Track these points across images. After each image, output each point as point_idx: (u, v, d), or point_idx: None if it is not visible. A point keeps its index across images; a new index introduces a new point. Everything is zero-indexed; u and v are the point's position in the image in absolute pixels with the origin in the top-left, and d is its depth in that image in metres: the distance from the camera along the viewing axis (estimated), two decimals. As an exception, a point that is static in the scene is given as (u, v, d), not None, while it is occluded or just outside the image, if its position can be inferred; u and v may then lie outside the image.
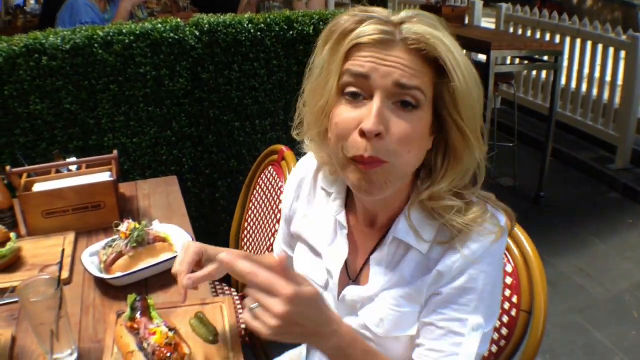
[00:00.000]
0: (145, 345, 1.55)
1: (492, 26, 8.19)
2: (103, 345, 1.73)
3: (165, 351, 1.53)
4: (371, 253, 1.43)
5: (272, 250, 2.03)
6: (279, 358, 2.11)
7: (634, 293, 4.26)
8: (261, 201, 2.73)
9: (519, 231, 1.71)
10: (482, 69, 5.23)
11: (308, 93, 1.37)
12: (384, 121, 1.19)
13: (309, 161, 1.64)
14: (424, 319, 1.35)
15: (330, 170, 1.50)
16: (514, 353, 1.71)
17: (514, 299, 1.70)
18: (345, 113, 1.23)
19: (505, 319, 1.72)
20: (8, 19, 12.18)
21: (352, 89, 1.23)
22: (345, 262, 1.48)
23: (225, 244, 2.75)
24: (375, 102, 1.19)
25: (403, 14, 1.24)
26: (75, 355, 1.71)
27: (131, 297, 1.71)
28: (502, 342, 1.72)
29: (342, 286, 1.48)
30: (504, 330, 1.72)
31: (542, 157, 5.61)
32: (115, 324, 1.76)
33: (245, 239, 2.78)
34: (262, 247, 2.62)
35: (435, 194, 1.30)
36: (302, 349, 1.99)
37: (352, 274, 1.48)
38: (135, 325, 1.62)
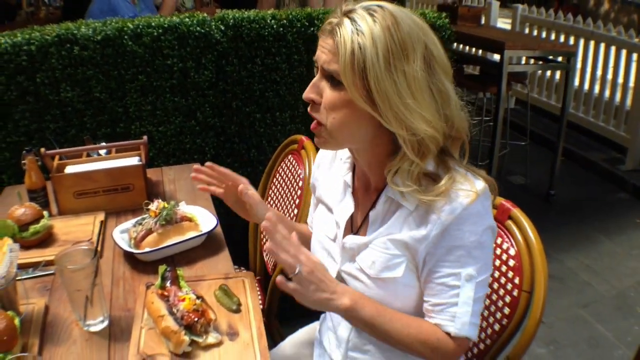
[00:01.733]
0: (175, 310, 1.70)
1: (509, 27, 8.26)
2: (133, 313, 1.88)
3: (193, 316, 1.68)
4: (369, 210, 1.67)
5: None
6: (293, 335, 2.25)
7: (639, 290, 4.36)
8: (280, 188, 2.86)
9: (522, 217, 1.85)
10: (496, 68, 5.35)
11: None
12: (318, 91, 1.54)
13: None
14: (425, 279, 1.58)
15: None
16: (516, 331, 1.84)
17: (516, 280, 1.82)
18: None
19: (507, 299, 1.84)
20: (31, 10, 12.38)
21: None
22: (352, 218, 1.74)
23: (245, 229, 2.90)
24: (315, 78, 1.55)
25: (352, 6, 1.49)
26: (106, 322, 1.85)
27: (162, 268, 1.86)
28: (505, 321, 1.85)
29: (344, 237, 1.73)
30: (506, 310, 1.85)
31: (554, 156, 5.71)
32: (145, 294, 1.91)
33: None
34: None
35: (401, 171, 1.53)
36: (315, 325, 2.15)
37: (355, 228, 1.73)
38: (166, 293, 1.77)
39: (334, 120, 1.51)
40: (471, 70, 8.46)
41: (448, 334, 1.54)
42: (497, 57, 5.40)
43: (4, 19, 11.59)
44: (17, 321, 1.72)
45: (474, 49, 7.68)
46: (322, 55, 1.51)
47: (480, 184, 1.53)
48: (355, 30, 1.42)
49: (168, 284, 1.82)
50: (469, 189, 1.50)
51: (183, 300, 1.72)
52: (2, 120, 3.37)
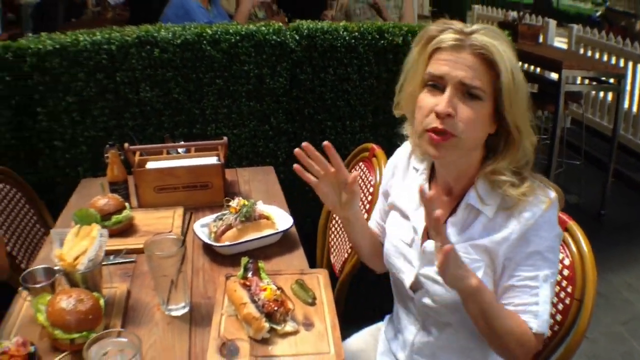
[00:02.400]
0: (256, 299, 1.79)
1: (564, 46, 8.25)
2: (213, 301, 1.98)
3: (273, 305, 1.77)
4: (448, 217, 1.78)
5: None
6: (357, 334, 2.33)
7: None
8: (351, 194, 2.92)
9: (577, 230, 1.94)
10: (554, 87, 5.38)
11: (402, 82, 1.78)
12: (453, 106, 1.59)
13: (403, 149, 2.04)
14: (505, 283, 1.69)
15: (421, 152, 1.82)
16: (565, 337, 1.92)
17: (569, 289, 1.91)
18: (427, 99, 1.65)
19: (560, 306, 1.92)
20: (97, 10, 12.70)
21: (432, 82, 1.64)
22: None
23: (313, 233, 2.98)
24: (447, 93, 1.59)
25: (475, 27, 1.62)
26: (187, 308, 1.95)
27: (245, 260, 1.96)
28: (556, 327, 1.93)
29: (423, 242, 1.83)
30: (558, 317, 1.93)
31: (605, 177, 5.73)
32: (225, 284, 2.00)
33: (333, 228, 2.98)
34: (347, 245, 2.77)
35: (497, 169, 1.66)
36: (379, 326, 2.23)
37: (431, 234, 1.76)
38: (248, 283, 1.87)
39: (470, 132, 1.62)
40: (534, 89, 8.46)
41: (531, 330, 1.65)
42: (554, 75, 5.46)
43: (71, 16, 11.93)
44: (102, 302, 1.83)
45: (532, 67, 7.67)
46: (457, 71, 1.58)
47: (552, 193, 1.67)
48: (504, 50, 1.56)
49: (250, 274, 1.92)
50: (544, 196, 1.65)
51: (264, 290, 1.82)
52: (80, 115, 3.53)
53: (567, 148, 6.51)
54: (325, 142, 1.79)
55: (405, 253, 1.88)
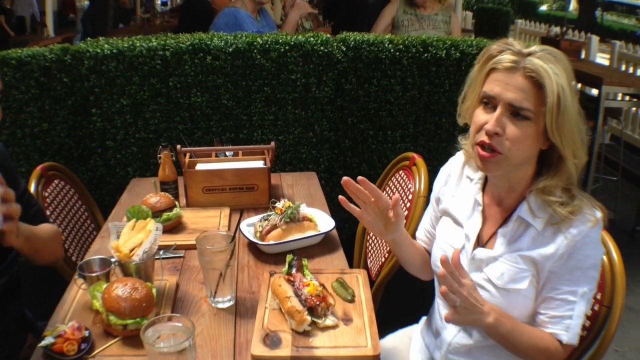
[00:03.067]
0: (299, 293, 1.90)
1: (607, 62, 8.26)
2: (258, 296, 2.09)
3: (315, 300, 1.88)
4: (499, 227, 1.89)
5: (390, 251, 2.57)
6: (392, 334, 2.44)
7: None
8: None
9: (609, 240, 2.01)
10: (593, 102, 5.43)
11: (464, 94, 1.90)
12: (502, 125, 1.71)
13: (457, 158, 2.14)
14: (545, 294, 1.80)
15: (476, 163, 1.88)
16: (592, 343, 1.99)
17: (598, 296, 1.98)
18: (480, 115, 1.78)
19: (589, 312, 1.96)
20: (147, 17, 12.96)
21: (485, 100, 1.76)
22: (480, 230, 1.95)
23: (351, 240, 3.09)
24: (497, 112, 1.72)
25: (533, 48, 1.71)
26: (233, 301, 2.06)
27: (290, 257, 2.09)
28: (584, 333, 1.99)
29: (474, 249, 1.93)
30: (587, 323, 2.00)
31: (640, 194, 5.72)
32: (269, 280, 2.11)
33: (370, 234, 3.07)
34: (384, 250, 2.86)
35: (548, 187, 1.75)
36: (414, 327, 2.33)
37: (482, 241, 1.94)
38: (292, 279, 1.99)
39: (517, 151, 1.72)
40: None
41: (559, 341, 1.77)
42: (595, 91, 5.51)
43: (120, 22, 12.20)
44: (154, 292, 1.95)
45: (579, 84, 7.70)
46: (508, 93, 1.69)
47: (598, 213, 1.75)
48: (554, 73, 1.64)
49: (294, 270, 2.04)
50: (591, 215, 1.73)
51: (307, 285, 1.94)
52: (133, 117, 3.69)
53: (605, 164, 6.54)
54: (360, 178, 1.88)
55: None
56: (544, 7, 28.92)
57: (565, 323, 1.76)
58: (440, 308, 2.11)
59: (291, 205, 2.48)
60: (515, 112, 1.70)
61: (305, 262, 2.13)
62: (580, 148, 1.70)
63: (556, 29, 8.18)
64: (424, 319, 2.31)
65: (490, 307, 1.73)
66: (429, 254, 2.20)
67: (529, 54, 1.69)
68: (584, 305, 1.75)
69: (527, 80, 1.67)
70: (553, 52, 1.70)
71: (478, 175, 2.01)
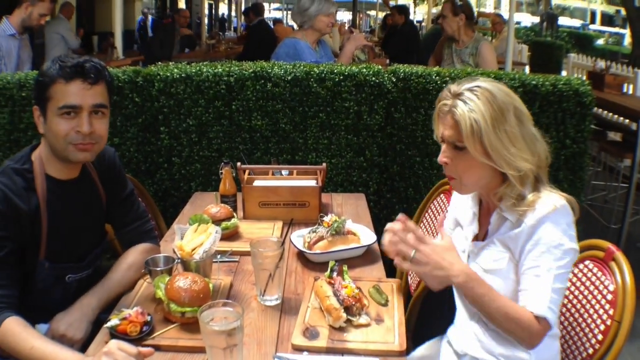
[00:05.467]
0: (338, 294, 2.15)
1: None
2: (302, 297, 2.34)
3: (351, 300, 2.12)
4: (488, 226, 2.23)
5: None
6: (423, 345, 2.64)
7: None
8: (431, 221, 3.24)
9: (623, 261, 2.17)
10: (633, 135, 5.56)
11: None
12: (448, 156, 2.09)
13: None
14: (519, 272, 2.05)
15: None
16: (605, 355, 2.13)
17: (611, 312, 2.15)
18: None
19: (602, 327, 2.16)
20: (212, 42, 13.34)
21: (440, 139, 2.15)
22: (478, 235, 2.28)
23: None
24: (443, 146, 2.12)
25: (463, 88, 2.03)
26: (279, 300, 2.31)
27: (332, 262, 2.34)
28: (597, 346, 2.16)
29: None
30: (600, 337, 2.17)
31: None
32: (312, 284, 2.36)
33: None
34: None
35: (501, 194, 2.08)
36: (438, 341, 2.54)
37: (479, 239, 2.27)
38: (332, 282, 2.23)
39: (466, 174, 2.09)
40: (617, 137, 8.54)
41: (533, 315, 1.95)
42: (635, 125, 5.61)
43: (186, 47, 12.60)
44: (211, 286, 2.20)
45: (621, 118, 7.76)
46: (446, 132, 2.06)
47: (561, 200, 2.01)
48: (470, 109, 1.96)
49: (335, 274, 2.29)
50: (551, 202, 2.00)
51: (345, 287, 2.18)
52: (198, 136, 3.98)
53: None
54: (400, 216, 2.14)
55: (462, 257, 2.23)
56: (600, 41, 28.73)
57: (533, 296, 1.96)
58: (460, 308, 2.37)
59: (337, 219, 2.72)
60: (454, 145, 2.05)
61: (345, 268, 2.38)
62: (515, 161, 1.97)
63: (601, 64, 8.31)
64: (451, 327, 2.50)
65: (461, 270, 2.02)
66: None
67: (457, 95, 2.02)
68: (551, 280, 1.95)
69: (453, 119, 2.01)
70: (480, 89, 1.99)
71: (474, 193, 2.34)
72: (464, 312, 2.32)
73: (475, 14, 5.44)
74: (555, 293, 1.95)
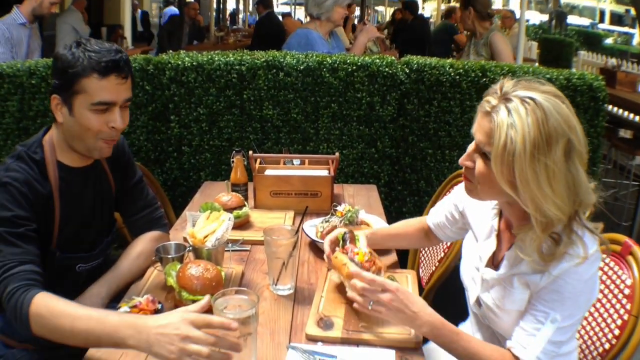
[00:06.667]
0: (354, 260, 2.09)
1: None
2: (315, 286, 2.31)
3: (367, 265, 2.07)
4: (508, 249, 1.95)
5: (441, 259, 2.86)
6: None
7: None
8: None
9: None
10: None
11: None
12: (472, 159, 1.81)
13: None
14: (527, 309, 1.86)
15: None
16: (621, 351, 2.09)
17: (628, 306, 2.09)
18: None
19: (619, 322, 2.11)
20: (221, 35, 13.39)
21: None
22: (495, 254, 2.02)
23: (405, 254, 3.25)
24: (470, 147, 1.82)
25: (516, 90, 1.71)
26: (292, 290, 2.28)
27: (341, 233, 2.29)
28: (614, 341, 2.11)
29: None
30: (616, 331, 2.11)
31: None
32: (326, 274, 2.33)
33: (424, 250, 3.25)
34: (435, 259, 3.06)
35: (522, 239, 1.79)
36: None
37: (496, 262, 2.01)
38: (346, 251, 2.17)
39: (482, 186, 1.81)
40: (627, 134, 8.52)
41: (517, 358, 1.82)
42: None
43: (194, 39, 12.64)
44: (223, 274, 2.17)
45: (631, 114, 7.74)
46: (478, 134, 1.77)
47: (593, 247, 1.75)
48: (510, 124, 1.65)
49: (348, 243, 2.23)
50: (581, 254, 1.72)
51: (357, 254, 2.13)
52: (208, 125, 3.97)
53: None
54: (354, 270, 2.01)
55: (473, 275, 2.12)
56: (609, 40, 28.63)
57: (526, 340, 1.80)
58: (470, 317, 2.29)
59: (351, 209, 2.69)
60: (482, 152, 1.76)
61: (356, 235, 2.31)
62: (544, 203, 1.67)
63: (613, 61, 8.28)
64: (461, 324, 2.44)
65: (425, 321, 1.87)
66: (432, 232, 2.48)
67: (505, 96, 1.71)
68: (551, 331, 1.77)
69: (489, 124, 1.71)
70: (533, 104, 1.67)
71: (495, 201, 2.07)
72: (472, 317, 2.26)
73: (487, 6, 5.36)
74: (552, 345, 1.79)
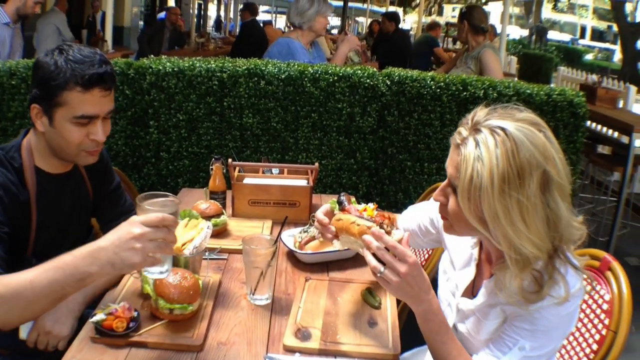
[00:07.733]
0: (362, 216, 2.03)
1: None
2: (292, 297, 2.30)
3: (380, 219, 1.98)
4: (486, 279, 1.89)
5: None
6: (412, 351, 2.58)
7: None
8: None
9: (619, 270, 2.12)
10: (624, 149, 5.64)
11: None
12: (445, 195, 1.75)
13: None
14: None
15: None
16: None
17: (606, 321, 2.11)
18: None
19: (597, 337, 2.12)
20: (202, 41, 13.41)
21: None
22: (474, 281, 1.97)
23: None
24: (443, 183, 1.76)
25: (487, 120, 1.63)
26: (270, 300, 2.26)
27: (333, 201, 2.22)
28: (592, 356, 2.12)
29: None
30: (594, 346, 2.12)
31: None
32: (304, 285, 2.32)
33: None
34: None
35: (501, 280, 1.71)
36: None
37: (475, 291, 1.95)
38: (348, 211, 2.11)
39: (456, 221, 1.73)
40: (606, 150, 8.59)
41: None
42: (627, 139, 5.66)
43: (175, 44, 12.64)
44: (200, 283, 2.16)
45: (610, 131, 7.79)
46: (449, 168, 1.69)
47: (575, 285, 1.67)
48: (477, 156, 1.57)
49: (345, 204, 2.16)
50: (562, 294, 1.64)
51: (365, 210, 2.07)
52: (187, 132, 3.95)
53: (634, 211, 6.64)
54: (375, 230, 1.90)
55: (449, 301, 2.07)
56: (589, 56, 28.97)
57: (491, 358, 1.75)
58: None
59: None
60: (453, 187, 1.69)
61: (352, 198, 2.23)
62: (518, 241, 1.58)
63: (593, 77, 8.35)
64: None
65: (426, 300, 1.76)
66: None
67: (475, 127, 1.64)
68: (516, 359, 1.71)
69: (458, 157, 1.64)
70: (504, 134, 1.58)
71: None
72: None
73: (482, 21, 5.38)
74: None
